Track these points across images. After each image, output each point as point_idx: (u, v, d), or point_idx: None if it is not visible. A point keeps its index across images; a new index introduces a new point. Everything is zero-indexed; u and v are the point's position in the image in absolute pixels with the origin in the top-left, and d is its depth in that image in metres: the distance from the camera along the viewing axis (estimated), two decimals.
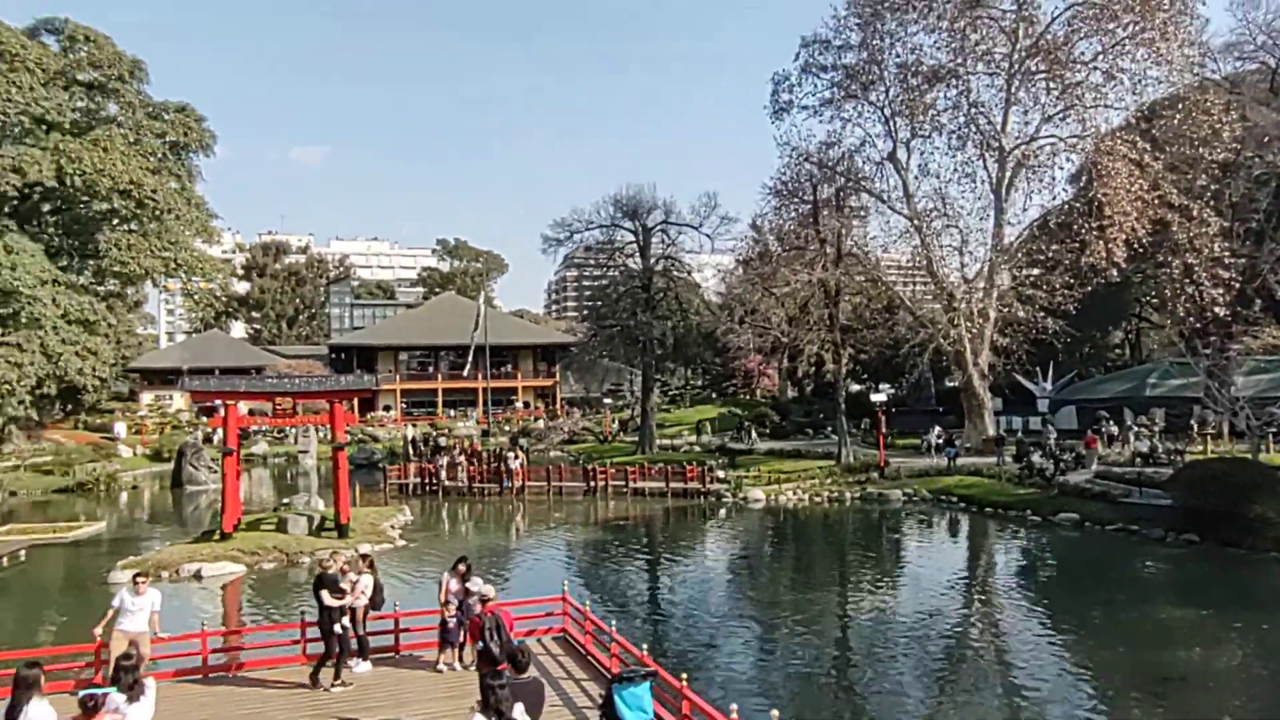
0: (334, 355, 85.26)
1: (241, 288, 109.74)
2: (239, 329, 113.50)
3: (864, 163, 43.29)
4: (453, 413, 76.82)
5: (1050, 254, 39.68)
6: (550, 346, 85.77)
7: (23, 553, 27.04)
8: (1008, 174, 41.20)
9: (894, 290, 46.65)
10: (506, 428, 67.45)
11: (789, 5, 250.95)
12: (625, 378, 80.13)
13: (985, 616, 18.98)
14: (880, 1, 40.92)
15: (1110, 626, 17.26)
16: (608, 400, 73.19)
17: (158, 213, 32.82)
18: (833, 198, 42.69)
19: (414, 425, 63.82)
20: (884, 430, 40.69)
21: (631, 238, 51.81)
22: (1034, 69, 39.81)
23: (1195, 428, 37.50)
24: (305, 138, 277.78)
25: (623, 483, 38.64)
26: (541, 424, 68.95)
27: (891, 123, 42.15)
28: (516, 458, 40.48)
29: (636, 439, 53.32)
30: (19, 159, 29.57)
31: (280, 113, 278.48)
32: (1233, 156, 39.78)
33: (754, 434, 51.95)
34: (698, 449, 51.60)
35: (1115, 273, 37.01)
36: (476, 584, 12.43)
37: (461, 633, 12.75)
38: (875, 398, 40.98)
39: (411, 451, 47.36)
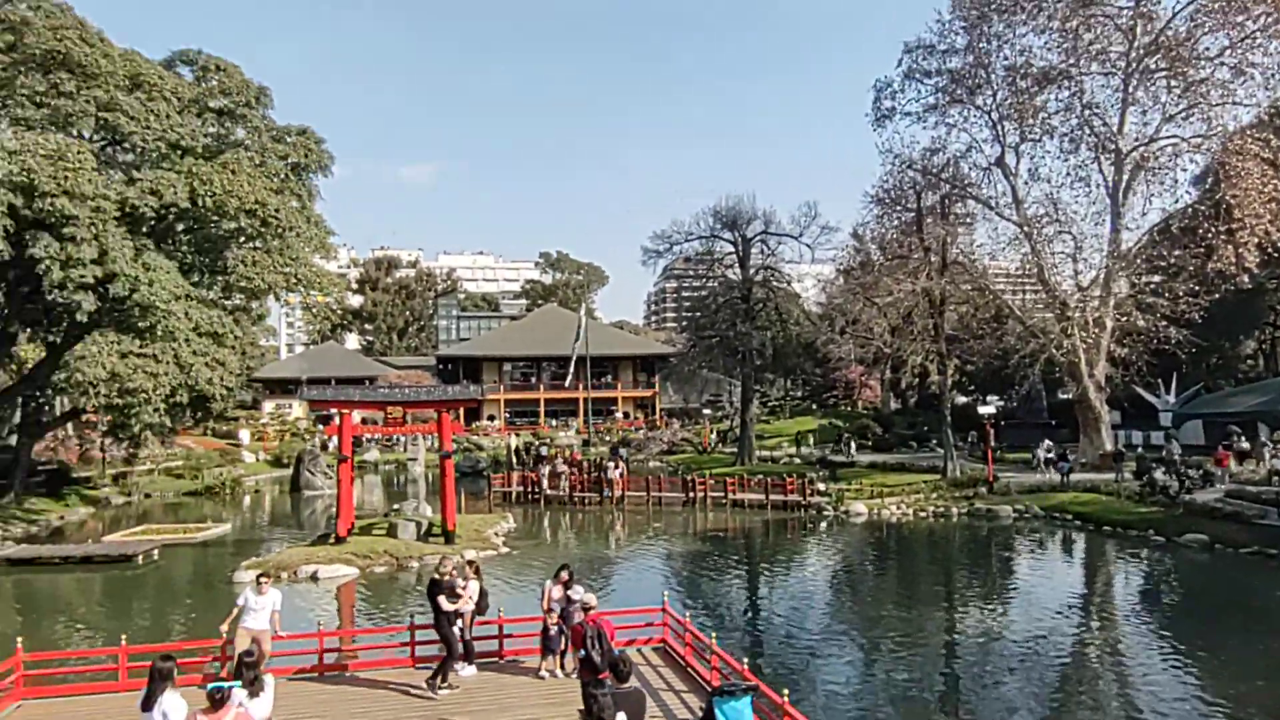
0: (441, 366, 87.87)
1: (355, 301, 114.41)
2: (353, 340, 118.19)
3: (970, 168, 42.18)
4: (554, 422, 78.08)
5: (1172, 260, 37.74)
6: (650, 357, 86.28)
7: (156, 552, 28.81)
8: (1125, 177, 39.37)
9: (1002, 299, 45.12)
10: (606, 437, 68.12)
11: (889, 13, 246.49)
12: (724, 388, 79.82)
13: (1105, 641, 17.99)
14: (987, 4, 39.75)
15: (1247, 658, 16.18)
16: (707, 411, 73.04)
17: (280, 231, 34.51)
18: (937, 205, 41.69)
19: (517, 434, 65.20)
20: (992, 444, 39.33)
21: (731, 248, 51.77)
22: (1153, 67, 37.97)
23: None
24: (415, 156, 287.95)
25: (722, 494, 38.51)
26: (641, 434, 69.38)
27: (999, 127, 40.88)
28: (617, 467, 40.87)
29: (735, 450, 53.07)
30: (156, 182, 31.62)
31: (392, 133, 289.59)
32: None
33: (853, 446, 51.05)
34: (797, 461, 51.01)
35: (1246, 279, 34.91)
36: (578, 592, 12.57)
37: (563, 640, 12.94)
38: (983, 410, 39.63)
39: (515, 460, 48.38)
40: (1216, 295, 36.81)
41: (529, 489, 41.56)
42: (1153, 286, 40.79)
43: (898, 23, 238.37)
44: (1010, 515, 33.08)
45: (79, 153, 29.86)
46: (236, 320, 36.73)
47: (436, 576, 12.90)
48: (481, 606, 13.53)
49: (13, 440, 41.96)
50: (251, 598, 13.01)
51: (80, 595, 24.48)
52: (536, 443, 60.05)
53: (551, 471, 41.39)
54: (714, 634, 12.73)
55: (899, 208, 42.83)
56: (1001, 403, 54.45)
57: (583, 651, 10.14)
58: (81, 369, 32.33)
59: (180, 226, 36.20)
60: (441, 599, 12.58)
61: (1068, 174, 40.72)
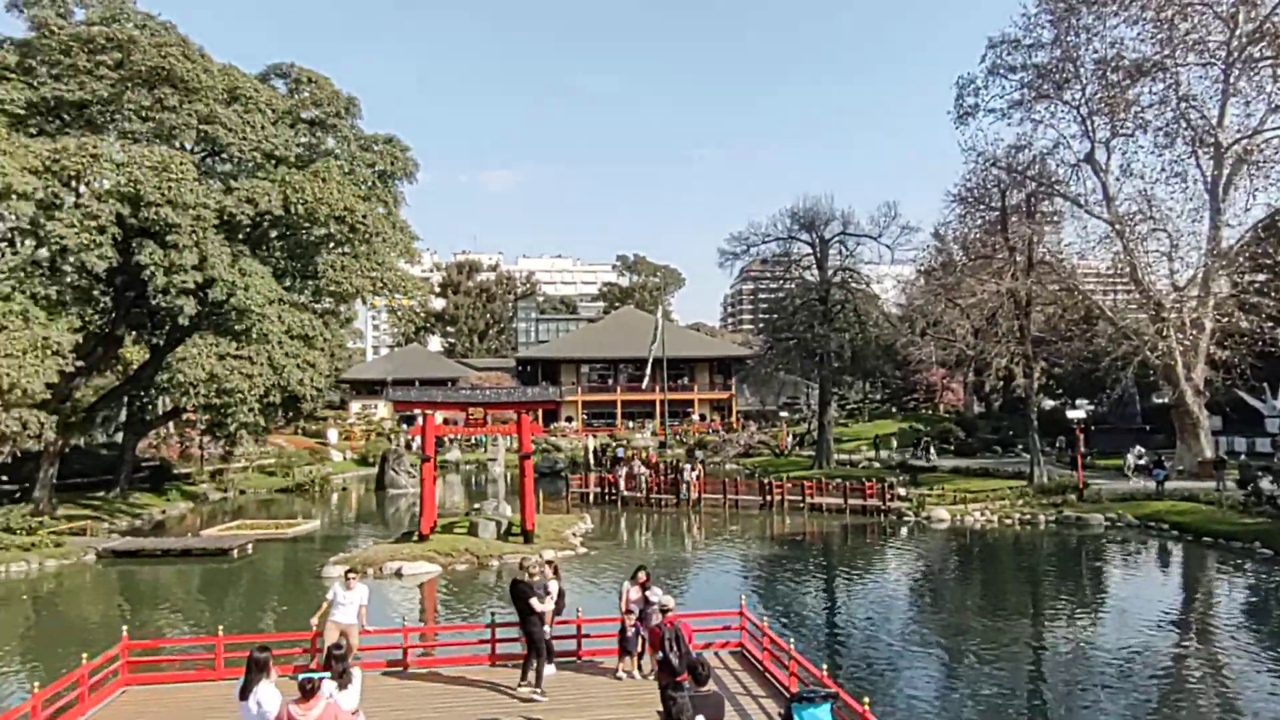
0: (520, 367, 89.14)
1: (438, 304, 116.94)
2: (435, 343, 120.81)
3: (1057, 165, 40.90)
4: (630, 424, 78.42)
5: (1279, 258, 35.81)
6: (726, 359, 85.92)
7: (250, 546, 30.01)
8: (1225, 171, 37.60)
9: (1092, 300, 43.55)
10: (683, 440, 68.11)
11: (970, 8, 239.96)
12: (801, 391, 78.98)
13: (1206, 657, 17.16)
14: None
15: None
16: (783, 414, 72.37)
17: (367, 236, 35.62)
18: (1023, 203, 40.56)
19: (594, 436, 65.70)
20: (1082, 449, 37.97)
21: (808, 250, 51.29)
22: (1257, 56, 36.20)
23: None
24: (495, 162, 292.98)
25: (799, 498, 38.11)
26: (717, 436, 69.14)
27: (1089, 122, 39.50)
28: (693, 469, 40.85)
29: (813, 453, 52.49)
30: (252, 191, 32.99)
31: (472, 139, 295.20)
32: None
33: (932, 451, 49.96)
34: (876, 465, 50.16)
35: None
36: (656, 594, 12.58)
37: (640, 642, 13.00)
38: (1072, 414, 38.29)
39: (592, 461, 48.77)
40: None
41: (606, 490, 41.86)
42: (1257, 286, 38.84)
43: (978, 18, 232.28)
44: (1102, 524, 31.91)
45: (181, 164, 31.37)
46: (326, 323, 37.99)
47: (526, 578, 12.88)
48: (559, 606, 13.70)
49: (119, 438, 44.33)
50: (340, 592, 13.36)
51: (179, 586, 25.66)
52: (613, 444, 60.42)
53: (628, 473, 41.62)
54: (792, 639, 12.64)
55: (982, 206, 41.82)
56: (1091, 407, 52.57)
57: (661, 654, 10.14)
58: (182, 370, 33.92)
59: (274, 233, 37.72)
60: (534, 600, 12.65)
61: (1162, 169, 39.17)
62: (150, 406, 44.50)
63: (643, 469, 42.04)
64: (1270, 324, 35.67)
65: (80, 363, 31.80)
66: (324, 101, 38.24)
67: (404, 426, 70.71)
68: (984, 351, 42.23)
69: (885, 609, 21.46)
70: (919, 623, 20.45)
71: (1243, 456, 39.59)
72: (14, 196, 28.43)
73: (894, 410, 77.89)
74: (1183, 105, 37.88)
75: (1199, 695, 14.94)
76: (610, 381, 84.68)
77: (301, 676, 8.00)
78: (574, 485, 43.40)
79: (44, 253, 31.78)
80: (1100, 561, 27.37)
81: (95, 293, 34.60)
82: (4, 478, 37.23)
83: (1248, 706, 14.13)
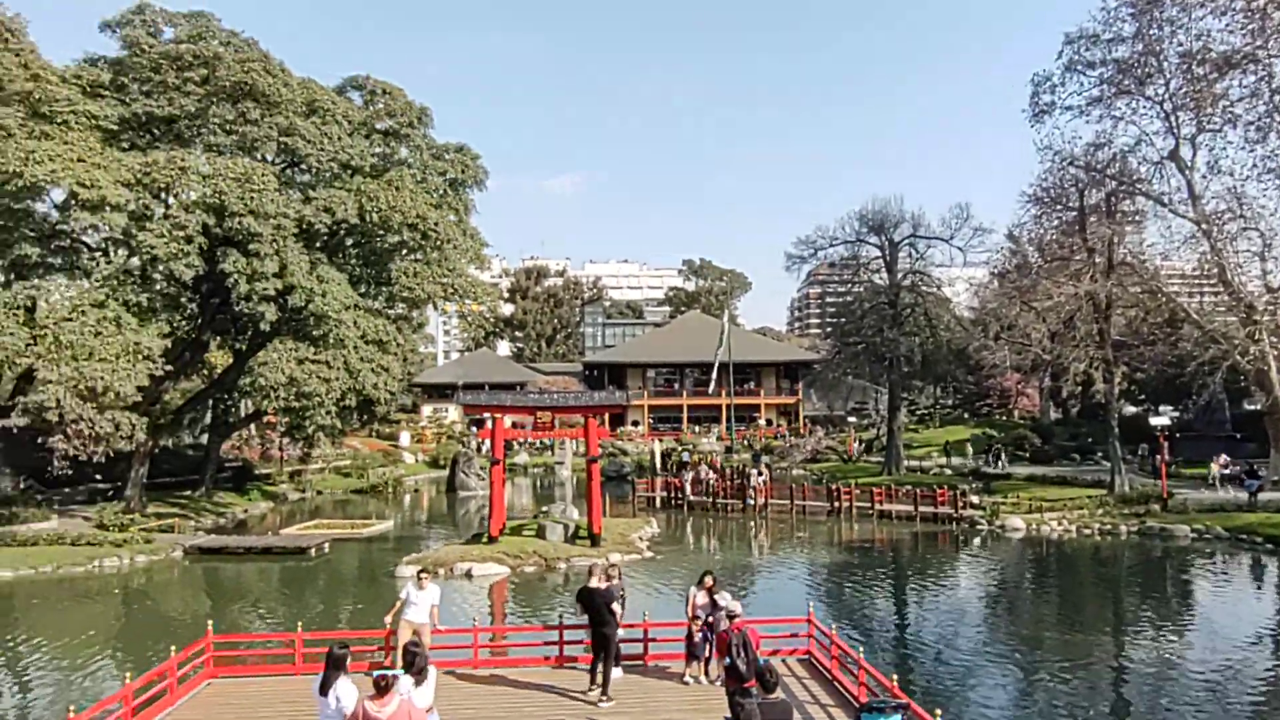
0: (587, 372, 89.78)
1: (507, 309, 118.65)
2: (504, 347, 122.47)
3: (1139, 163, 39.29)
4: (697, 429, 78.28)
5: None
6: (793, 364, 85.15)
7: (327, 545, 30.86)
8: None
9: (1177, 302, 41.88)
10: (749, 444, 67.72)
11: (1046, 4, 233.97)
12: (870, 396, 77.78)
13: None
14: None
15: None
16: (852, 419, 71.43)
17: (439, 243, 36.42)
18: (1102, 203, 39.23)
19: (660, 440, 65.77)
20: (1166, 457, 36.57)
21: (877, 253, 50.53)
22: None
23: None
24: (561, 168, 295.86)
25: (868, 504, 37.56)
26: (784, 442, 68.57)
27: (1173, 118, 38.00)
28: (760, 474, 40.58)
29: (882, 459, 51.67)
30: (329, 200, 34.08)
31: (539, 146, 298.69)
32: None
33: (1003, 457, 48.73)
34: (948, 471, 49.13)
35: None
36: (724, 599, 12.54)
37: (707, 647, 12.99)
38: (1155, 421, 36.92)
39: (659, 466, 48.83)
40: None
41: (672, 494, 41.86)
42: None
43: (1054, 14, 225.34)
44: (1188, 535, 30.70)
45: (263, 175, 32.55)
46: (399, 328, 38.92)
47: (598, 582, 12.92)
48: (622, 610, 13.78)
49: (204, 439, 46.09)
50: (413, 592, 13.68)
51: (260, 583, 26.56)
52: (679, 449, 60.38)
53: (695, 477, 41.56)
54: (860, 648, 12.48)
55: (1059, 207, 40.57)
56: (1176, 413, 50.57)
57: (728, 659, 10.13)
58: (263, 374, 35.11)
59: (349, 241, 38.82)
60: (615, 605, 12.73)
61: (1254, 165, 37.27)
62: (233, 409, 46.17)
63: (709, 473, 41.95)
64: None
65: (169, 367, 33.19)
66: (397, 112, 39.25)
67: (474, 430, 71.83)
68: (1061, 356, 40.97)
69: (957, 619, 21.02)
70: (993, 634, 19.96)
71: None
72: (108, 208, 29.88)
73: (966, 416, 76.13)
74: (1277, 98, 36.20)
75: None
76: (676, 386, 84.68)
77: (376, 673, 8.18)
78: (640, 489, 43.50)
79: (135, 262, 33.34)
80: (1187, 575, 26.33)
81: (183, 300, 36.13)
82: (98, 477, 39.04)
83: None
